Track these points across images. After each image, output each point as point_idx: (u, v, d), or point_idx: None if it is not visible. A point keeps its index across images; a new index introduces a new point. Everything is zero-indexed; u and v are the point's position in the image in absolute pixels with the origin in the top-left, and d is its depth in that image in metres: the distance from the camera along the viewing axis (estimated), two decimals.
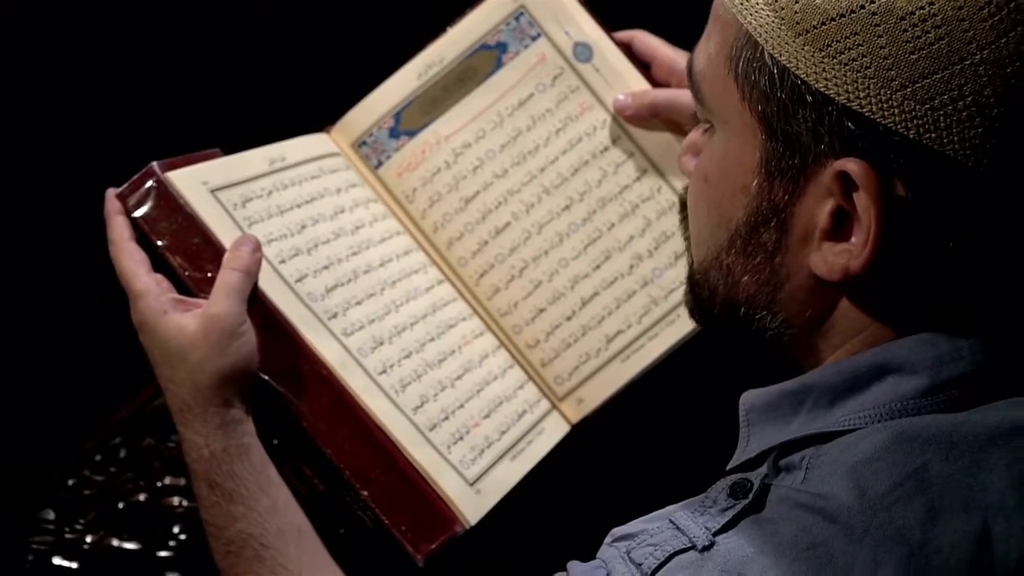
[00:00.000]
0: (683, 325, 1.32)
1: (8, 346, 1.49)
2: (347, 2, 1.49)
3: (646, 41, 1.35)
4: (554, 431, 1.31)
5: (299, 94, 1.46)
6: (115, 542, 1.40)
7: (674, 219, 1.33)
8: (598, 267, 1.33)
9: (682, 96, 1.32)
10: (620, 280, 1.33)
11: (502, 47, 1.34)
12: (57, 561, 1.40)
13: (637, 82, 1.34)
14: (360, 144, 1.34)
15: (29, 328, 1.49)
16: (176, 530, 1.40)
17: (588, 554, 1.00)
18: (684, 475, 1.46)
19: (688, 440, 1.48)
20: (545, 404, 1.31)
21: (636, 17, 1.38)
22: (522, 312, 1.33)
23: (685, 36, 1.34)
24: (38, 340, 1.49)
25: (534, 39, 1.34)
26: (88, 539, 1.40)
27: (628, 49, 1.35)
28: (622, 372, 1.32)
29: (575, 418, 1.32)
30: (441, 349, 1.27)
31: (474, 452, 1.24)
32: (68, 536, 1.40)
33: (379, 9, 1.49)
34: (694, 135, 1.05)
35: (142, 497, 1.40)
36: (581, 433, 1.33)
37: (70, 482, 1.41)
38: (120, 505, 1.40)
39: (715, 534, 0.92)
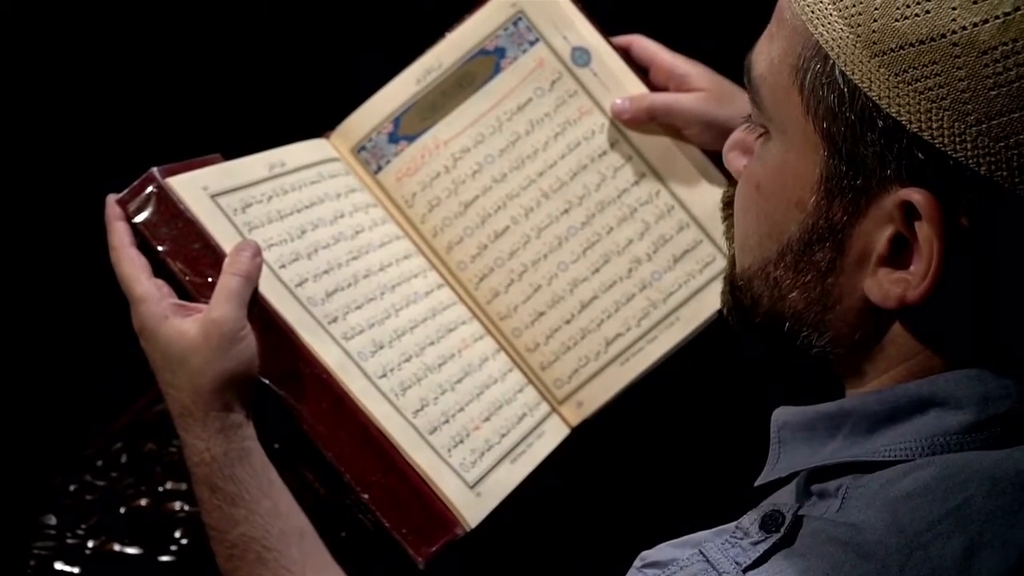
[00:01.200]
0: (682, 328, 1.33)
1: (9, 351, 1.49)
2: (346, 8, 1.50)
3: (644, 46, 1.35)
4: (554, 434, 1.31)
5: (299, 99, 1.46)
6: (117, 547, 1.40)
7: (672, 222, 1.33)
8: (597, 270, 1.33)
9: (680, 100, 1.32)
10: (619, 283, 1.33)
11: (500, 52, 1.35)
12: (59, 566, 1.40)
13: (635, 86, 1.34)
14: (359, 149, 1.34)
15: (30, 333, 1.49)
16: (177, 535, 1.40)
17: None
18: (683, 478, 1.47)
19: (687, 443, 1.48)
20: (545, 407, 1.32)
21: (634, 22, 1.38)
22: (521, 315, 1.33)
23: (683, 41, 1.35)
24: (39, 345, 1.49)
25: (532, 44, 1.35)
26: (90, 544, 1.40)
27: (626, 54, 1.36)
28: (621, 375, 1.32)
29: (575, 421, 1.33)
30: (441, 353, 1.27)
31: (474, 455, 1.24)
32: (70, 541, 1.40)
33: (378, 15, 1.49)
34: (741, 133, 1.01)
35: (143, 502, 1.40)
36: (581, 436, 1.33)
37: (72, 487, 1.41)
38: (122, 510, 1.40)
39: (745, 570, 0.89)
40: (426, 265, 1.32)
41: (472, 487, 1.23)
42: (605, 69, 1.34)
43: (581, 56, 1.35)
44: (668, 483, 1.46)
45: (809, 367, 0.96)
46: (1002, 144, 0.85)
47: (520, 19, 1.34)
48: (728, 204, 1.03)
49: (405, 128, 1.34)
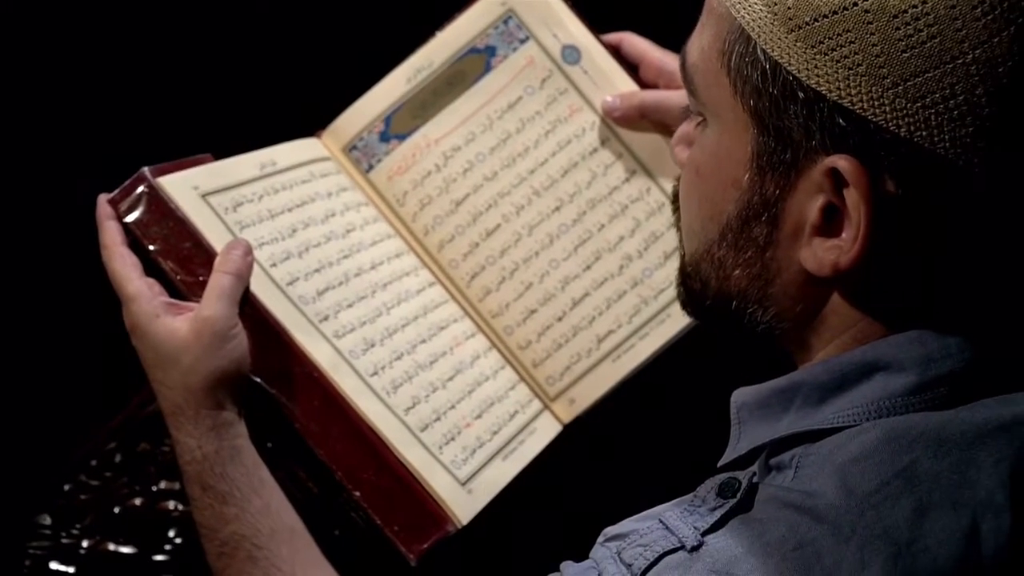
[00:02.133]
0: (673, 324, 1.33)
1: (2, 352, 1.49)
2: (337, 7, 1.50)
3: (634, 43, 1.36)
4: (546, 431, 1.31)
5: (290, 99, 1.46)
6: (111, 546, 1.40)
7: (663, 219, 1.34)
8: (588, 268, 1.34)
9: (670, 97, 1.33)
10: (610, 280, 1.33)
11: (491, 50, 1.35)
12: (54, 566, 1.40)
13: (625, 84, 1.35)
14: (351, 148, 1.34)
15: (23, 334, 1.49)
16: (171, 534, 1.40)
17: (580, 554, 1.00)
18: (676, 473, 1.46)
19: (679, 439, 1.48)
20: (537, 404, 1.32)
21: (624, 19, 1.38)
22: (513, 313, 1.33)
23: (673, 38, 1.35)
24: (32, 346, 1.49)
25: (522, 42, 1.35)
26: (84, 544, 1.40)
27: (616, 51, 1.36)
28: (613, 372, 1.33)
29: (567, 418, 1.33)
30: (433, 350, 1.28)
31: (466, 452, 1.25)
32: (65, 541, 1.40)
33: (369, 14, 1.49)
34: (686, 126, 1.05)
35: (138, 501, 1.40)
36: (573, 433, 1.33)
37: (66, 487, 1.41)
38: (116, 510, 1.41)
39: (704, 534, 0.92)
40: (417, 263, 1.32)
41: (464, 484, 1.23)
42: (595, 67, 1.35)
43: (571, 54, 1.35)
44: (660, 479, 1.46)
45: (759, 346, 0.98)
46: (919, 104, 0.88)
47: (510, 18, 1.35)
48: (675, 199, 1.05)
49: (396, 127, 1.34)
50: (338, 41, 1.50)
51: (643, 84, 1.35)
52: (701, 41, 0.96)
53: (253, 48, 1.49)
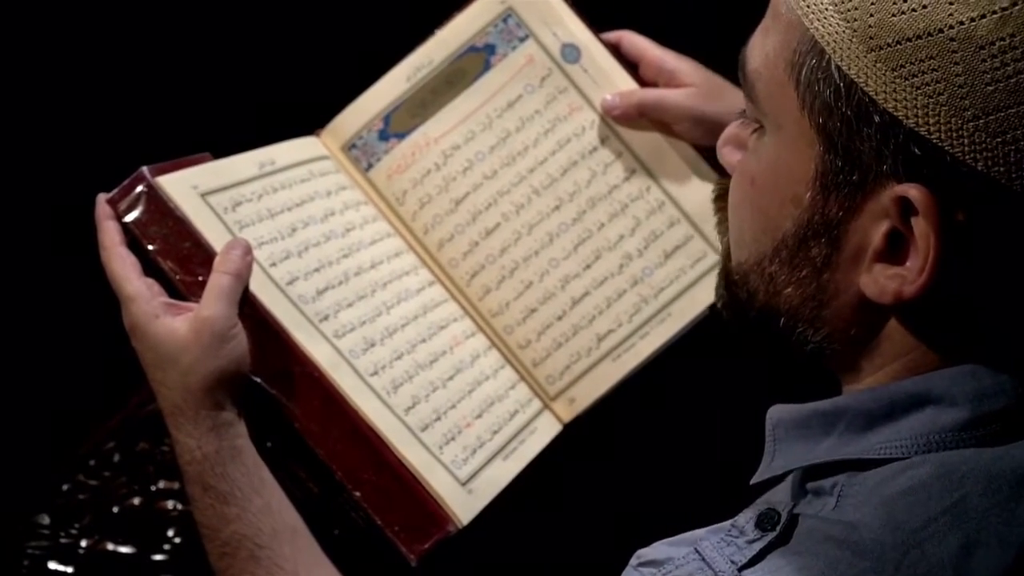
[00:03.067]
0: (673, 324, 1.33)
1: (2, 352, 1.49)
2: (337, 7, 1.50)
3: (634, 41, 1.36)
4: (546, 430, 1.31)
5: (289, 98, 1.46)
6: (110, 546, 1.40)
7: (663, 218, 1.34)
8: (588, 267, 1.33)
9: (669, 96, 1.32)
10: (610, 279, 1.33)
11: (490, 49, 1.35)
12: (52, 566, 1.40)
13: (625, 82, 1.34)
14: (350, 147, 1.34)
15: (22, 333, 1.49)
16: (170, 534, 1.40)
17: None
18: (675, 472, 1.47)
19: (679, 438, 1.48)
20: (537, 403, 1.32)
21: (624, 18, 1.38)
22: (513, 312, 1.33)
23: (672, 36, 1.35)
24: (31, 345, 1.49)
25: (522, 40, 1.35)
26: (83, 543, 1.40)
27: (616, 49, 1.36)
28: (613, 371, 1.32)
29: (567, 417, 1.33)
30: (432, 350, 1.27)
31: (466, 452, 1.25)
32: (63, 541, 1.40)
33: (368, 13, 1.49)
34: (735, 128, 1.01)
35: (136, 501, 1.40)
36: (573, 432, 1.33)
37: (65, 487, 1.41)
38: (115, 509, 1.40)
39: (741, 568, 0.89)
40: (417, 262, 1.32)
41: (464, 484, 1.23)
42: (595, 65, 1.35)
43: (571, 52, 1.35)
44: (661, 480, 1.46)
45: (804, 363, 0.96)
46: (999, 140, 0.85)
47: (510, 16, 1.35)
48: (719, 198, 1.03)
49: (395, 125, 1.34)
50: (338, 40, 1.49)
51: (643, 82, 1.35)
52: (765, 47, 0.92)
53: (252, 47, 1.49)
